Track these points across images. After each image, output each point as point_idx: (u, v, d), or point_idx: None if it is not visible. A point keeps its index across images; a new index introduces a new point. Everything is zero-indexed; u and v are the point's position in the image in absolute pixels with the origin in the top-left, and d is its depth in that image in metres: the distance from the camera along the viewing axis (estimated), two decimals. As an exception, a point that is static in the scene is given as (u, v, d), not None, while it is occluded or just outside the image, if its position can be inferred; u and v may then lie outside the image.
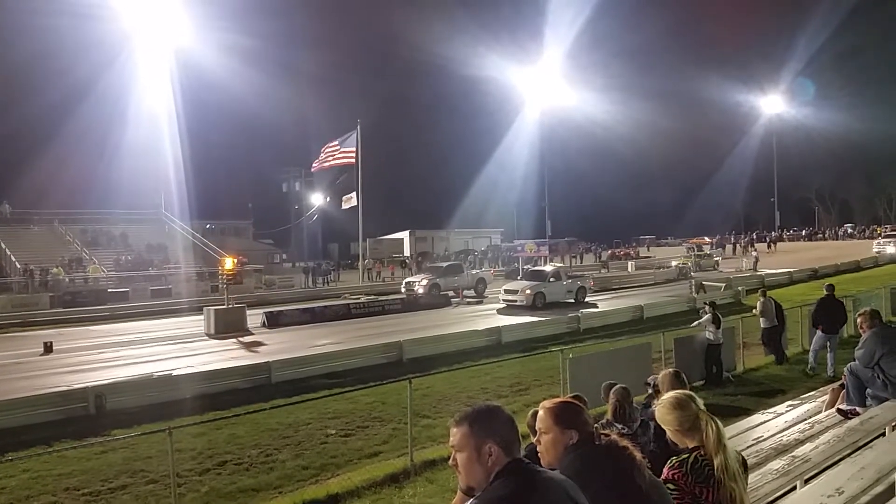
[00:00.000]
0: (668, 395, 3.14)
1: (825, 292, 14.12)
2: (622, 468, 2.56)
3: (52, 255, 40.76)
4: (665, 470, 2.97)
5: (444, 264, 39.16)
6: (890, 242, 51.73)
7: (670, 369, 5.62)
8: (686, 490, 2.87)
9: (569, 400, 2.81)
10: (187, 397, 13.31)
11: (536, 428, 2.77)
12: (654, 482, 2.67)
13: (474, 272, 38.33)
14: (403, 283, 36.25)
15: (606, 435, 2.70)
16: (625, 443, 2.65)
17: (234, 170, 79.92)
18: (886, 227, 77.82)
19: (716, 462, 2.87)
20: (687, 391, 3.10)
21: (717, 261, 49.24)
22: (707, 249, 65.67)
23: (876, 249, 50.13)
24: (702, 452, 2.95)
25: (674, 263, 47.62)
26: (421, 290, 32.74)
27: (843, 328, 14.52)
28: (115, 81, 49.63)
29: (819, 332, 13.36)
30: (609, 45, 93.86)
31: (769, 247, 64.73)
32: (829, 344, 13.24)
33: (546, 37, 64.21)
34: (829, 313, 13.52)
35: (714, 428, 2.93)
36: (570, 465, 2.55)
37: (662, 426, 3.14)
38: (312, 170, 48.60)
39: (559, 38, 64.86)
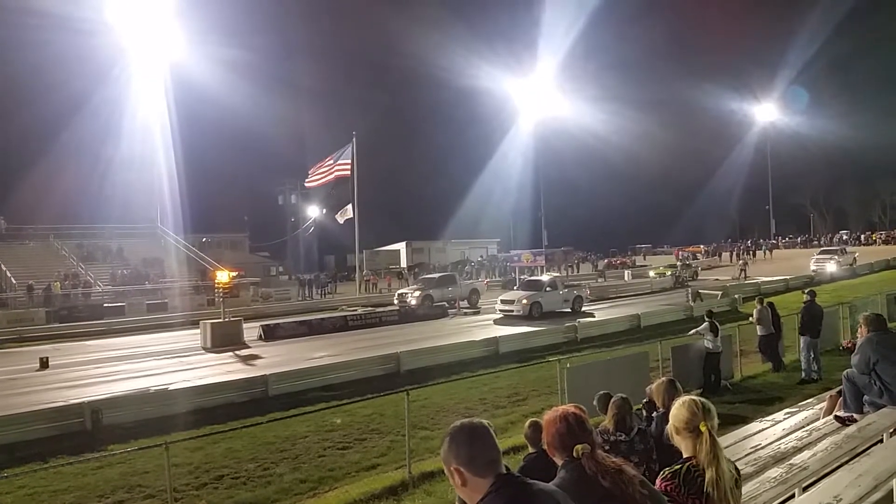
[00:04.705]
0: (690, 396, 3.14)
1: (808, 298, 14.47)
2: (614, 484, 2.56)
3: (47, 270, 40.59)
4: (658, 481, 2.96)
5: (437, 275, 39.09)
6: (829, 259, 45.06)
7: (665, 378, 5.63)
8: (679, 501, 2.86)
9: (548, 418, 2.80)
10: (184, 412, 13.24)
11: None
12: (654, 495, 2.67)
13: (468, 282, 38.37)
14: (396, 294, 36.25)
15: (605, 449, 2.70)
16: (616, 462, 2.64)
17: (230, 183, 79.85)
18: (882, 234, 78.07)
19: (707, 475, 2.86)
20: (706, 401, 3.07)
21: (695, 271, 47.73)
22: (701, 257, 65.86)
23: (814, 267, 43.54)
24: (694, 463, 2.94)
25: (651, 273, 47.36)
26: (413, 302, 32.68)
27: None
28: (110, 96, 49.63)
29: (807, 339, 13.63)
30: (603, 56, 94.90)
31: (753, 255, 64.73)
32: (813, 349, 13.55)
33: (540, 47, 64.58)
34: (814, 319, 13.86)
35: (709, 442, 2.90)
36: (565, 479, 2.57)
37: (670, 419, 3.13)
38: (307, 185, 48.56)
39: (554, 49, 65.22)
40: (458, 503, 4.07)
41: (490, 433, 2.22)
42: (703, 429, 2.94)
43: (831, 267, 43.10)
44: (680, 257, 63.51)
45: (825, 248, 53.00)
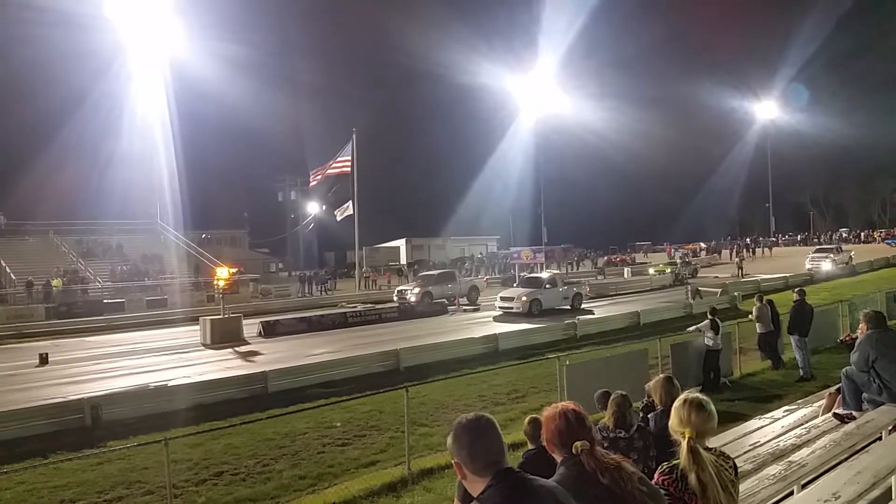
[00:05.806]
0: (690, 394, 3.10)
1: (798, 297, 14.52)
2: (613, 480, 2.56)
3: (47, 266, 40.55)
4: (655, 476, 2.96)
5: (437, 272, 39.08)
6: (825, 258, 44.90)
7: (662, 375, 5.62)
8: (676, 496, 2.85)
9: (549, 413, 2.79)
10: (183, 408, 13.27)
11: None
12: (653, 492, 2.66)
13: (467, 279, 38.36)
14: (395, 291, 36.26)
15: (604, 446, 2.70)
16: (615, 459, 2.64)
17: (230, 179, 79.97)
18: (882, 232, 78.10)
19: (690, 478, 2.83)
20: (704, 401, 3.02)
21: (695, 268, 47.70)
22: (701, 255, 65.84)
23: (809, 266, 43.51)
24: None
25: (651, 271, 47.42)
26: (413, 299, 32.67)
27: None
28: (110, 91, 49.72)
29: (796, 337, 13.71)
30: (603, 53, 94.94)
31: (753, 252, 64.69)
32: (802, 346, 13.64)
33: (540, 45, 64.58)
34: (802, 318, 13.93)
35: (688, 448, 2.87)
36: (564, 475, 2.57)
37: (671, 415, 3.11)
38: (311, 184, 48.62)
39: (553, 46, 65.27)
40: (457, 491, 4.08)
41: (494, 431, 2.24)
42: (688, 435, 2.90)
43: (826, 266, 42.93)
44: (672, 255, 63.42)
45: (820, 247, 52.67)
